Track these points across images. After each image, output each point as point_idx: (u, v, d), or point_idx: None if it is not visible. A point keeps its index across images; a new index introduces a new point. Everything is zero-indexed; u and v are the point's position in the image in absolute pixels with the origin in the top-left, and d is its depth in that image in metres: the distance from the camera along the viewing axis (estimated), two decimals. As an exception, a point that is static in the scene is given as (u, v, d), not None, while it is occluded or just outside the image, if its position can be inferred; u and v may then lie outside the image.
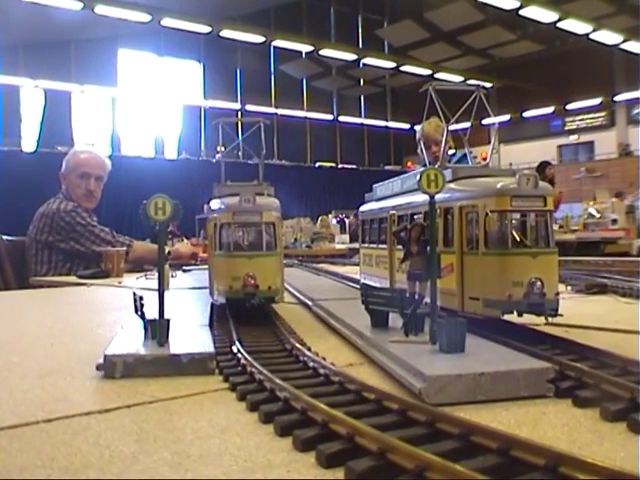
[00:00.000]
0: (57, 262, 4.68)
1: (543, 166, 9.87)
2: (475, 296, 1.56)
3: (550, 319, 1.53)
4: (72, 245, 4.64)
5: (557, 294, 1.52)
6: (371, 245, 2.44)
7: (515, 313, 1.51)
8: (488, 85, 22.21)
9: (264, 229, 1.92)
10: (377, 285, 2.20)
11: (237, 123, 2.56)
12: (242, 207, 1.91)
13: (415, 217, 1.85)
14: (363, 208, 2.63)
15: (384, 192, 2.39)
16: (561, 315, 1.53)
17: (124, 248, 4.40)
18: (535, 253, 1.53)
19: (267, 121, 2.25)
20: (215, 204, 2.07)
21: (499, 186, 1.56)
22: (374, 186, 2.54)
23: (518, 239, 1.57)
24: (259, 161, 2.22)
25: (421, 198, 1.68)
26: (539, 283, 1.48)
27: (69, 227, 4.66)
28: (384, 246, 2.22)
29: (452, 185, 1.70)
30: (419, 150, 5.13)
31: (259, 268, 1.86)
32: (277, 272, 1.93)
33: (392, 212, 2.13)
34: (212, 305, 2.09)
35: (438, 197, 1.46)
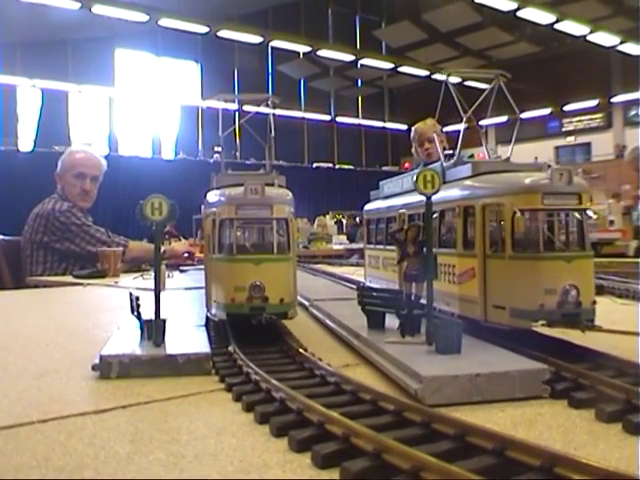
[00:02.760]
0: (52, 262, 4.66)
1: None
2: (500, 304, 1.43)
3: (586, 332, 1.40)
4: (67, 245, 4.63)
5: (594, 303, 1.40)
6: (378, 246, 2.35)
7: (546, 323, 1.38)
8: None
9: (275, 227, 1.59)
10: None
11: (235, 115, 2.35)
12: (248, 199, 1.57)
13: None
14: (368, 207, 2.51)
15: (392, 189, 2.30)
16: (599, 327, 1.41)
17: (120, 248, 4.39)
18: (570, 257, 1.39)
19: (276, 99, 1.95)
20: (213, 196, 1.73)
21: (528, 182, 1.43)
22: (381, 183, 2.41)
23: (549, 241, 1.43)
24: (266, 147, 1.92)
25: (436, 196, 1.57)
26: (574, 291, 1.35)
27: (64, 227, 4.64)
28: (392, 247, 2.04)
29: (471, 181, 1.59)
30: (413, 149, 5.21)
31: (269, 275, 1.54)
32: (290, 280, 1.61)
33: (402, 211, 2.01)
34: (207, 320, 1.78)
35: (456, 194, 1.42)
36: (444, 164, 1.81)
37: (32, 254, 4.71)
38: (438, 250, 1.63)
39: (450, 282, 1.62)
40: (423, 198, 1.49)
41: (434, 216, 1.66)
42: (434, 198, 1.44)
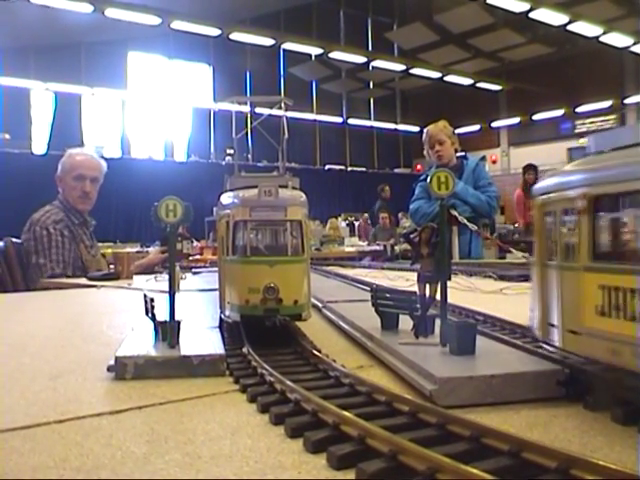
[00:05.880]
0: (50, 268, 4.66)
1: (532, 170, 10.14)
2: None
3: None
4: (43, 261, 4.61)
5: None
6: (616, 264, 0.96)
7: None
8: (498, 87, 22.11)
9: (289, 229, 1.59)
10: None
11: (247, 116, 2.30)
12: (262, 201, 1.57)
13: None
14: (550, 180, 1.17)
15: None
16: None
17: (134, 250, 4.40)
18: None
19: (290, 101, 1.90)
20: (227, 198, 1.71)
21: None
22: (593, 137, 1.21)
23: None
24: (279, 149, 1.89)
25: None
26: None
27: (45, 239, 4.65)
28: None
29: None
30: (425, 152, 5.24)
31: (283, 277, 1.53)
32: (304, 282, 1.59)
33: None
34: (221, 322, 1.77)
35: None
36: None
37: (30, 260, 4.73)
38: None
39: None
40: None
41: None
42: None
